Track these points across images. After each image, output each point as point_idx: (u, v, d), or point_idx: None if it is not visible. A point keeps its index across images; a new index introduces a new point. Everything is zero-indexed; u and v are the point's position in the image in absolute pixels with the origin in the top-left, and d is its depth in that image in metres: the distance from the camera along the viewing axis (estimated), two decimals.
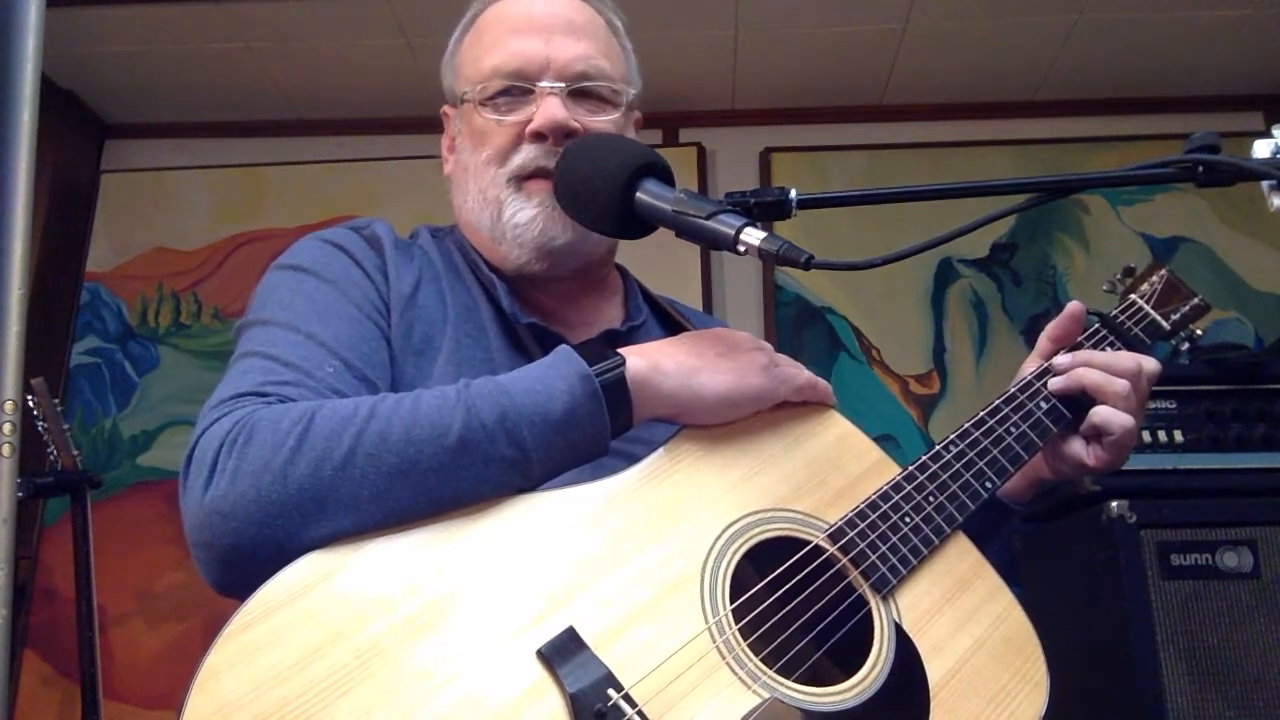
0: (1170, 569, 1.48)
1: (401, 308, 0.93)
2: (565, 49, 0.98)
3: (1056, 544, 1.65)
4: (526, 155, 0.97)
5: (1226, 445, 1.59)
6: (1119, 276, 1.19)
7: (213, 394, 0.81)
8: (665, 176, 0.87)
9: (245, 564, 0.71)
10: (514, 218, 0.97)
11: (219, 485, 0.72)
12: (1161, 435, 1.60)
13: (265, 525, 0.71)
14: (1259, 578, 1.47)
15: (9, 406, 0.80)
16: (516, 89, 0.98)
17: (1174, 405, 1.62)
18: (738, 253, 0.79)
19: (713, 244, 0.81)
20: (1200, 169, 0.83)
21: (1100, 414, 0.95)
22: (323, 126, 3.01)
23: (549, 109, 0.96)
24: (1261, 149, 0.82)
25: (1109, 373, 0.96)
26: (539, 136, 0.96)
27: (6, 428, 0.79)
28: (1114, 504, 1.50)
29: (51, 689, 2.54)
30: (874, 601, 0.82)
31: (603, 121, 0.99)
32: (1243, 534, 1.49)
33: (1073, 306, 1.04)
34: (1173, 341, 1.16)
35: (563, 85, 0.97)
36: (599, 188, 0.86)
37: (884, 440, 2.61)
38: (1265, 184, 0.81)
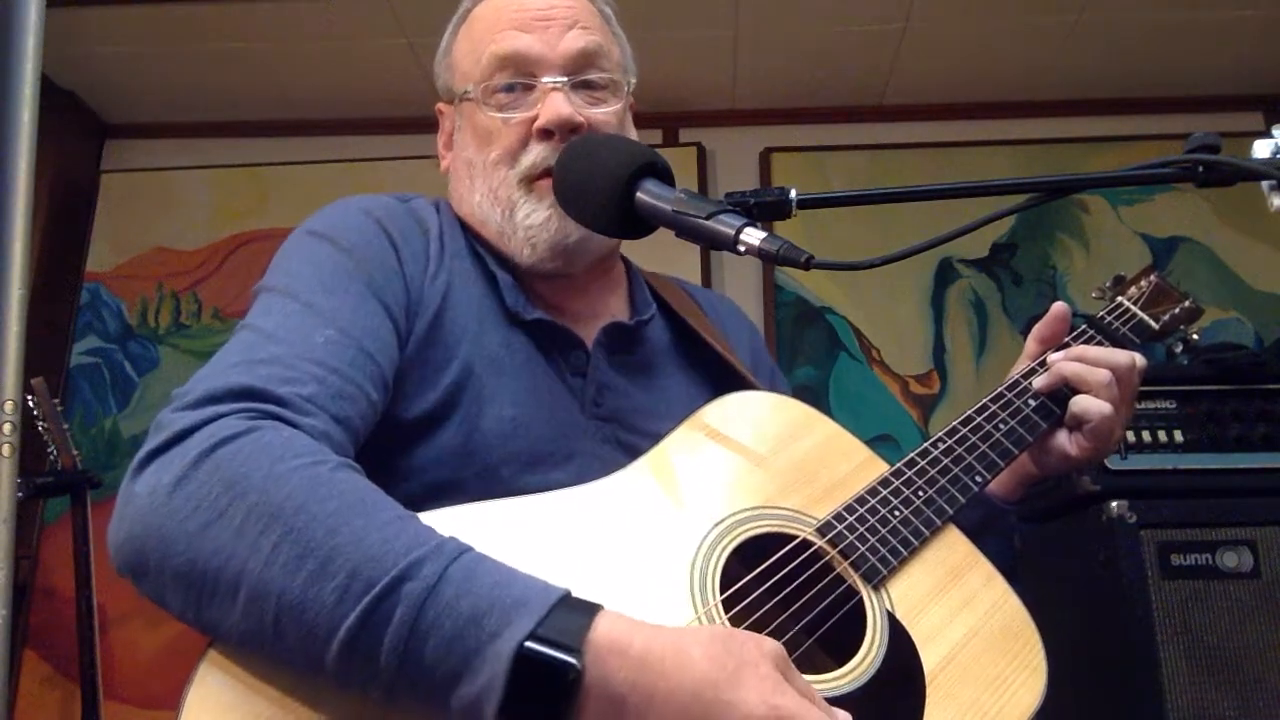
0: (1170, 569, 1.48)
1: (439, 291, 0.93)
2: (565, 41, 0.98)
3: (1056, 544, 1.65)
4: (536, 155, 0.96)
5: (1226, 445, 1.59)
6: (1109, 284, 1.20)
7: (198, 373, 0.76)
8: (665, 176, 0.87)
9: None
10: (527, 219, 0.96)
11: (136, 505, 0.69)
12: (1161, 435, 1.60)
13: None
14: (1259, 578, 1.47)
15: (9, 406, 0.80)
16: (519, 84, 0.98)
17: (1174, 405, 1.62)
18: (738, 253, 0.79)
19: (713, 244, 0.80)
20: (1200, 169, 0.83)
21: (1079, 402, 0.96)
22: (323, 126, 3.01)
23: (554, 105, 0.95)
24: (1261, 149, 0.82)
25: (1090, 364, 0.97)
26: (546, 134, 0.95)
27: (6, 428, 0.79)
28: (1114, 504, 1.51)
29: (51, 689, 2.54)
30: (865, 591, 0.82)
31: (606, 113, 0.99)
32: (1243, 534, 1.49)
33: (1057, 307, 1.05)
34: (1165, 342, 1.17)
35: (565, 79, 0.97)
36: (599, 187, 0.86)
37: (883, 440, 2.62)
38: (1265, 184, 0.81)
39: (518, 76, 0.98)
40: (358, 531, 0.65)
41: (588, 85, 0.99)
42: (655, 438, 0.88)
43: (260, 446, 0.69)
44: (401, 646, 0.61)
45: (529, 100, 0.97)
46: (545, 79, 0.97)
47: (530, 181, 0.97)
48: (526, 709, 0.60)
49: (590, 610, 0.63)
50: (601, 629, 0.62)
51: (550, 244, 0.96)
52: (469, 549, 0.66)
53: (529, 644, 0.60)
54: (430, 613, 0.61)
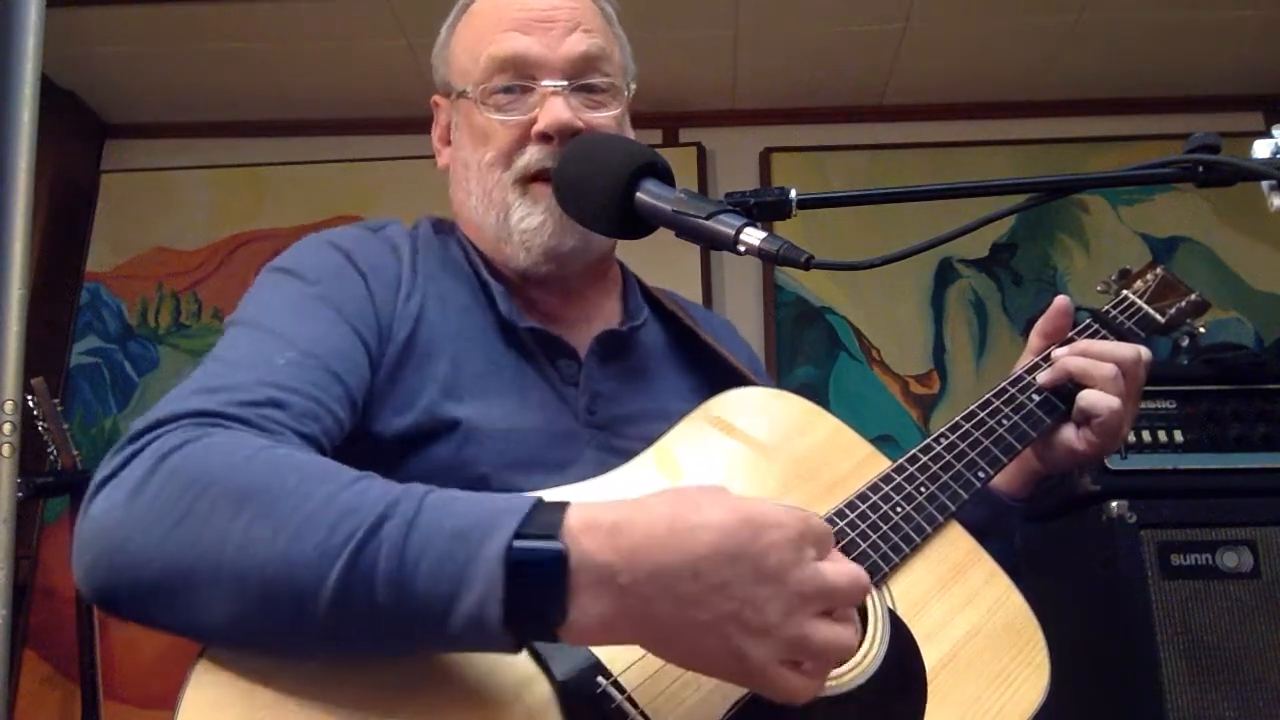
0: (1170, 569, 1.48)
1: (412, 313, 0.92)
2: (566, 44, 0.97)
3: (1056, 544, 1.66)
4: (532, 157, 0.95)
5: (1226, 445, 1.59)
6: (1114, 278, 1.20)
7: (157, 404, 0.75)
8: (665, 176, 0.87)
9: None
10: (522, 222, 0.96)
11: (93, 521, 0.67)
12: (1161, 435, 1.60)
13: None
14: (1259, 578, 1.48)
15: (9, 406, 0.80)
16: (518, 87, 0.97)
17: (1174, 405, 1.62)
18: (738, 253, 0.79)
19: (713, 244, 0.80)
20: (1200, 169, 0.83)
21: (1087, 397, 0.96)
22: (323, 126, 3.01)
23: (554, 109, 0.94)
24: (1261, 149, 0.82)
25: (1096, 358, 0.97)
26: (544, 137, 0.95)
27: (6, 428, 0.80)
28: (1114, 504, 1.51)
29: (51, 689, 2.54)
30: None
31: (605, 117, 0.98)
32: (1243, 534, 1.49)
33: (1059, 301, 1.05)
34: (1172, 335, 1.17)
35: (566, 83, 0.96)
36: (599, 187, 0.86)
37: (884, 440, 2.62)
38: (1265, 184, 0.81)
39: (517, 79, 0.96)
40: (327, 495, 0.65)
41: (588, 89, 0.98)
42: (650, 442, 0.88)
43: (211, 447, 0.69)
44: (394, 582, 0.61)
45: (528, 103, 0.96)
46: (545, 82, 0.96)
47: (525, 182, 0.96)
48: (527, 604, 0.61)
49: (562, 506, 0.65)
50: (574, 515, 0.64)
51: (545, 248, 0.96)
52: (437, 488, 0.67)
53: (517, 542, 0.61)
54: (415, 544, 0.62)
